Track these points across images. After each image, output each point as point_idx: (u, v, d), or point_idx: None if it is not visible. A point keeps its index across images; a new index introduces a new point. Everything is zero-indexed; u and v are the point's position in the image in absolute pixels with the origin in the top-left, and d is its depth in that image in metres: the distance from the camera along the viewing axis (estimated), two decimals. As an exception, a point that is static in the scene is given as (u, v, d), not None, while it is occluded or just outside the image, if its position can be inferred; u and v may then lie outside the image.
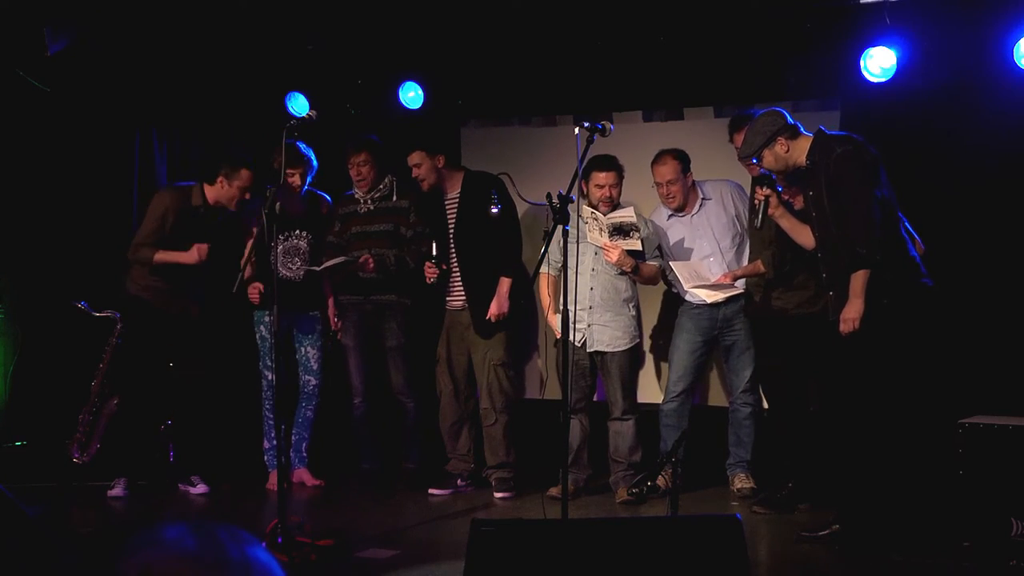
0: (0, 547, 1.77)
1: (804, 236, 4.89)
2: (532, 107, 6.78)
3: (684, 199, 5.74)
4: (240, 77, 6.61)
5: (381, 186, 6.10)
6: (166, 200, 5.92)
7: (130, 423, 5.93)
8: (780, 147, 4.69)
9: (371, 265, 5.92)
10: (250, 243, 5.79)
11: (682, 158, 5.70)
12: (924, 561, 4.34)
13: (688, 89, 6.30)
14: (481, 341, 5.87)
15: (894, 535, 4.49)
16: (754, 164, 4.93)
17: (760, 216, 4.98)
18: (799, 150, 4.69)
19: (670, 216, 5.83)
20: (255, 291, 5.90)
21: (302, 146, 5.90)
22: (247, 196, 5.87)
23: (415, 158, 5.87)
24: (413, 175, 5.91)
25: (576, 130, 4.46)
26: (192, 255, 5.81)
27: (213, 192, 5.89)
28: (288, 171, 5.77)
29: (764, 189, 4.93)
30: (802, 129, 4.74)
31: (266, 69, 6.58)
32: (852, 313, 4.49)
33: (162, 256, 5.84)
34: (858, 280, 4.49)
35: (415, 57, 6.46)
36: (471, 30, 6.16)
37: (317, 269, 5.96)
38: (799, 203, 4.95)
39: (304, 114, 5.24)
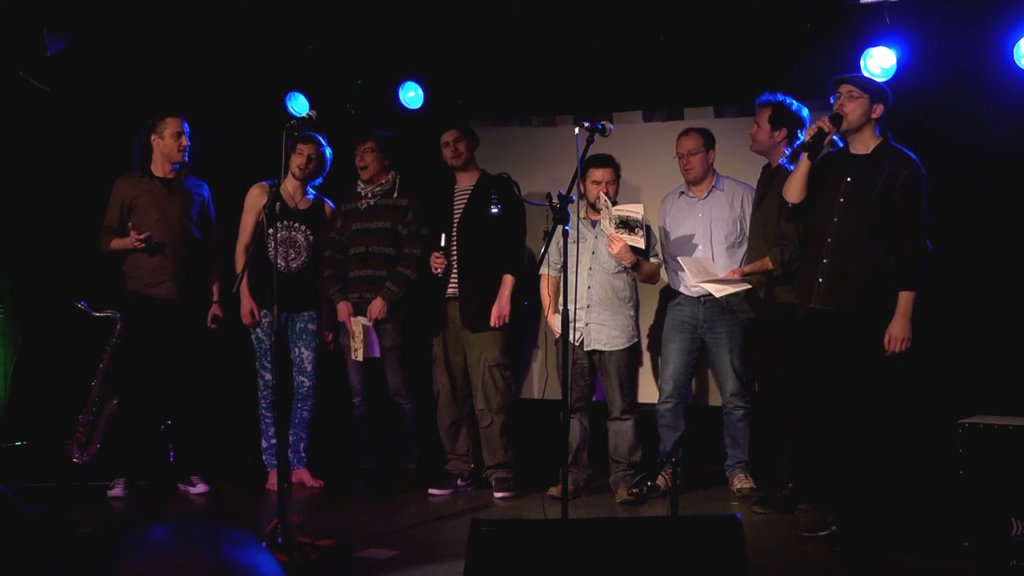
0: (0, 547, 1.77)
1: (799, 187, 4.74)
2: (532, 107, 6.78)
3: (702, 173, 5.75)
4: (240, 77, 6.61)
5: (384, 181, 6.11)
6: (116, 186, 5.96)
7: (130, 423, 5.93)
8: (875, 112, 4.67)
9: (379, 311, 5.94)
10: (248, 240, 5.79)
11: (707, 135, 5.76)
12: (924, 561, 4.34)
13: (688, 89, 6.31)
14: (475, 341, 5.87)
15: (894, 535, 4.49)
16: (831, 104, 4.78)
17: (804, 145, 4.67)
18: (870, 131, 4.68)
19: (681, 194, 5.85)
20: (248, 315, 5.99)
21: (320, 137, 5.98)
22: (186, 142, 5.89)
23: (453, 134, 5.94)
24: (443, 150, 5.94)
25: (576, 130, 4.47)
26: (129, 240, 5.78)
27: (156, 158, 5.91)
28: (299, 146, 5.81)
29: (830, 123, 4.64)
30: (881, 123, 4.71)
31: (266, 69, 6.58)
32: (900, 332, 4.55)
33: (115, 244, 5.86)
34: (908, 300, 4.54)
35: (415, 57, 6.46)
36: (471, 30, 6.16)
37: (329, 343, 6.17)
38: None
39: (304, 114, 5.25)
